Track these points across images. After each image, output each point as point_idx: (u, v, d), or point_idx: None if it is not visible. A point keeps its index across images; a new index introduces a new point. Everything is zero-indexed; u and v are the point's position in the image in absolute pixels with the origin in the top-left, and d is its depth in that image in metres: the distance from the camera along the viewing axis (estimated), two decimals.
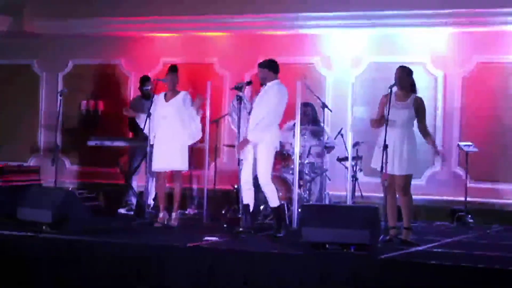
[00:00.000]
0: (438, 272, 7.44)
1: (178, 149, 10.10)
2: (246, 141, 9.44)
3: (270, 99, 9.44)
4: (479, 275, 7.34)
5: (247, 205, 9.53)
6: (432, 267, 7.54)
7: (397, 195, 9.04)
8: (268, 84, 9.52)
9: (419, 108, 9.06)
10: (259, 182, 9.47)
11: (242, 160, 9.49)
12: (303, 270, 7.77)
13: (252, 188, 9.51)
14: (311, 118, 11.00)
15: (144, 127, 10.23)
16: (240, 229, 9.39)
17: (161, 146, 10.09)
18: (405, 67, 9.19)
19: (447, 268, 7.48)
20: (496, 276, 7.31)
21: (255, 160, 9.46)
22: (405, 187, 9.02)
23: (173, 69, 10.25)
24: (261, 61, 9.72)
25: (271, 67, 9.59)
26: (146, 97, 11.47)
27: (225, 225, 10.03)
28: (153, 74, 12.65)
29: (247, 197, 9.52)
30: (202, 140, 10.58)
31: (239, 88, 9.54)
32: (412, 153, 8.98)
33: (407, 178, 9.02)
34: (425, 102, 9.17)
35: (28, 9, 13.76)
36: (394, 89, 9.01)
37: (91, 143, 11.49)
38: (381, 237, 8.72)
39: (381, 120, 8.95)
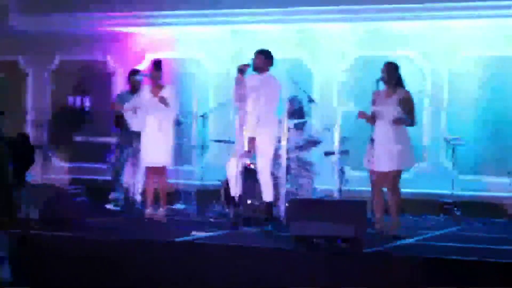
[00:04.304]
0: (426, 265, 7.45)
1: (165, 144, 10.14)
2: (253, 140, 9.47)
3: (270, 93, 9.52)
4: (466, 268, 7.36)
5: (233, 198, 9.62)
6: (419, 260, 7.55)
7: (385, 190, 9.06)
8: (264, 75, 9.58)
9: (405, 102, 9.05)
10: (259, 176, 9.57)
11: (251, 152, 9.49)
12: (290, 264, 7.77)
13: (240, 181, 9.53)
14: (296, 110, 10.91)
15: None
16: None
17: (149, 141, 10.11)
18: (391, 62, 9.18)
19: (435, 261, 7.50)
20: (484, 268, 7.34)
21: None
22: (394, 183, 9.02)
23: (157, 64, 10.27)
24: (260, 48, 9.73)
25: (269, 57, 9.69)
26: (133, 91, 11.40)
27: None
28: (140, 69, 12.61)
29: (234, 189, 9.59)
30: None
31: (243, 71, 9.50)
32: (401, 149, 8.95)
33: (396, 174, 9.02)
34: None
35: (14, 5, 13.69)
36: (382, 85, 9.02)
37: (78, 139, 11.50)
38: (368, 230, 8.73)
39: (373, 117, 8.98)
